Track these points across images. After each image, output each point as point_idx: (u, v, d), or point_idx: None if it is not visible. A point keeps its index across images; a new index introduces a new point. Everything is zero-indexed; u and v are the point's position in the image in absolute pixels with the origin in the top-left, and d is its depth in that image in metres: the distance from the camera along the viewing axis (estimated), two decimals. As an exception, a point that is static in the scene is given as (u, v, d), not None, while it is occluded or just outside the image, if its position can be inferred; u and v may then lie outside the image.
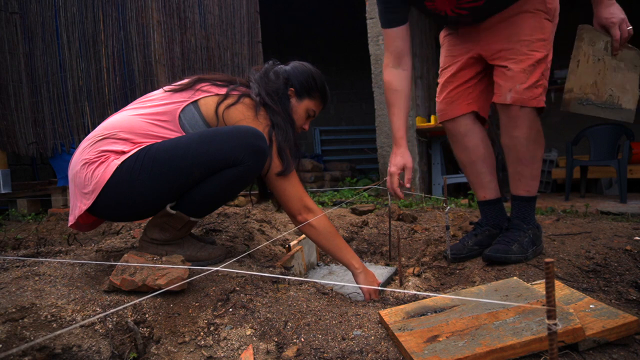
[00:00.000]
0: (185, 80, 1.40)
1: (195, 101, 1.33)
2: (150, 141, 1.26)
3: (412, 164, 1.58)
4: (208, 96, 1.35)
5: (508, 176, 1.62)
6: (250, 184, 1.53)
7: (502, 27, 1.51)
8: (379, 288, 1.30)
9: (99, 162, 1.21)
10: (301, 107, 1.49)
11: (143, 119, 1.29)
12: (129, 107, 1.37)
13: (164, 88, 1.40)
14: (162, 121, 1.30)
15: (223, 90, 1.37)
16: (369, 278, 1.42)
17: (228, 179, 1.25)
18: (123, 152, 1.23)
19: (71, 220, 1.28)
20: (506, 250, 1.47)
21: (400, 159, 1.56)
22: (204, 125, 1.34)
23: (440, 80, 1.74)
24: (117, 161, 1.20)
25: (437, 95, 1.76)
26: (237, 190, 1.34)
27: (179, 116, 1.31)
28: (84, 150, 1.26)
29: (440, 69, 1.76)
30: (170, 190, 1.25)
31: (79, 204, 1.24)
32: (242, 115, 1.34)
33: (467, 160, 1.71)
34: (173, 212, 1.31)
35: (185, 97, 1.33)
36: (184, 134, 1.30)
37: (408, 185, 1.56)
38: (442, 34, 1.76)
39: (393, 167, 1.56)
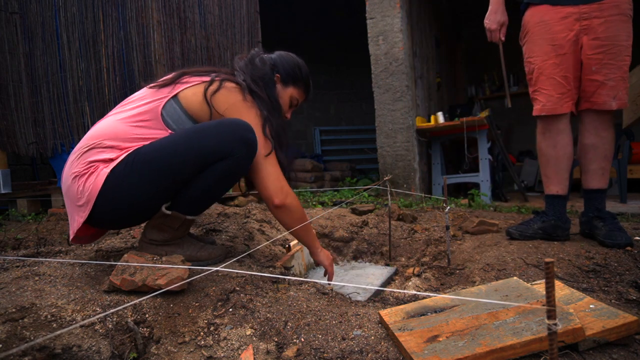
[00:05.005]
0: (169, 76, 1.39)
1: (175, 96, 1.32)
2: (136, 144, 1.25)
3: (508, 21, 1.90)
4: (187, 87, 1.33)
5: (586, 173, 1.78)
6: (242, 177, 1.53)
7: (604, 25, 1.65)
8: (378, 288, 1.30)
9: (88, 173, 1.21)
10: (286, 94, 1.52)
11: (126, 122, 1.28)
12: (113, 111, 1.35)
13: (148, 85, 1.38)
14: (144, 121, 1.28)
15: (206, 78, 1.36)
16: (326, 253, 1.55)
17: (220, 173, 1.25)
18: (111, 160, 1.22)
19: (71, 234, 1.27)
20: (628, 238, 1.61)
21: (500, 16, 1.87)
22: (187, 119, 1.32)
23: (544, 69, 1.77)
24: (106, 169, 1.20)
25: (542, 83, 1.78)
26: (229, 184, 1.33)
27: (161, 113, 1.29)
28: (73, 163, 1.25)
29: (540, 57, 1.77)
30: (162, 190, 1.25)
31: (76, 217, 1.24)
32: (232, 98, 1.34)
33: (553, 155, 1.83)
34: (168, 212, 1.30)
35: (165, 94, 1.32)
36: (169, 131, 1.29)
37: (503, 39, 1.90)
38: (531, 18, 1.80)
39: (495, 25, 1.88)
